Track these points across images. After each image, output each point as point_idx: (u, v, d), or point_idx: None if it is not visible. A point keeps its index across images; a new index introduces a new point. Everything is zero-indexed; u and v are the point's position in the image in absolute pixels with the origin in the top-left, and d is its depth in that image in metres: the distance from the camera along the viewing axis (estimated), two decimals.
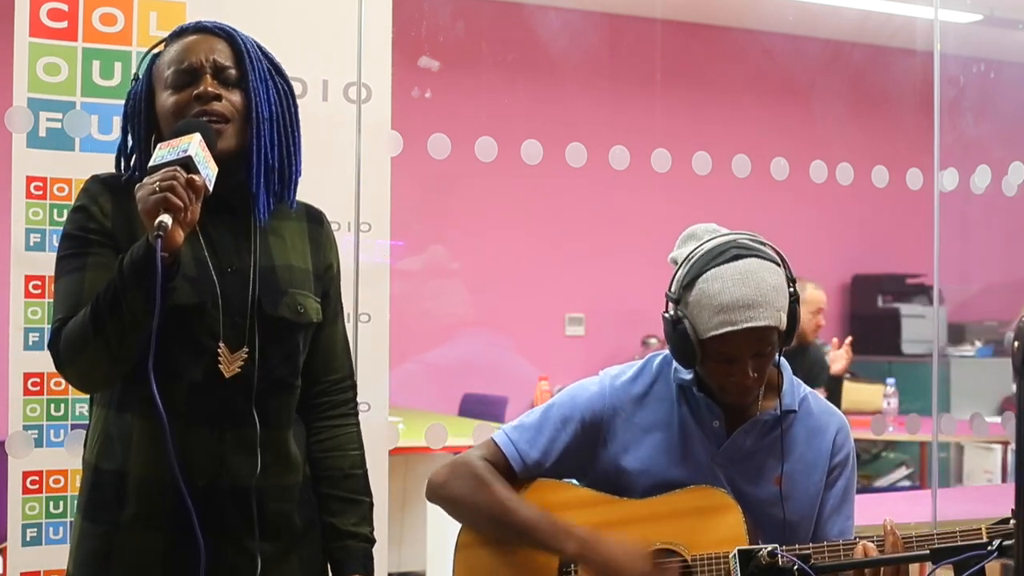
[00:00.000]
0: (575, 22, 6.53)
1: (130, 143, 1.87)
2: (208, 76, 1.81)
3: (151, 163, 1.70)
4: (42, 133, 2.52)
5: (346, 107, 2.78)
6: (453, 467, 2.14)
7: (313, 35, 2.75)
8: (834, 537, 2.10)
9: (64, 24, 2.53)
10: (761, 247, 2.04)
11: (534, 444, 2.13)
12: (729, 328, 1.96)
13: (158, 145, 1.73)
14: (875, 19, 6.71)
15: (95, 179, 1.86)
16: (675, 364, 2.15)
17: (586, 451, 2.14)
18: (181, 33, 1.87)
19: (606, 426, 2.13)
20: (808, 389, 2.20)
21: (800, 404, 2.15)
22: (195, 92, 1.80)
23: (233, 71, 1.83)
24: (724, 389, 2.04)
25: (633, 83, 6.89)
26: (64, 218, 2.44)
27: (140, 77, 1.88)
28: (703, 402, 2.10)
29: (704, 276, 1.99)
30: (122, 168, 1.88)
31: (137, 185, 1.68)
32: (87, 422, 1.92)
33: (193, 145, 1.70)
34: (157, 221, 1.62)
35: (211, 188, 1.71)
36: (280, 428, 1.88)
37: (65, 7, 2.53)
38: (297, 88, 2.72)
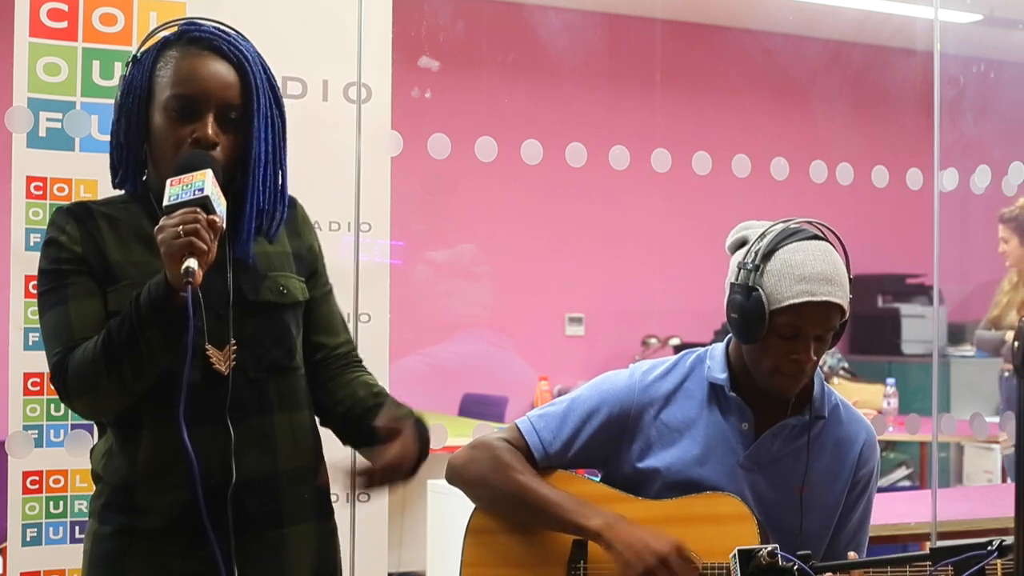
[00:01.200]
0: (575, 22, 6.52)
1: (122, 133, 1.82)
2: (210, 117, 1.78)
3: (166, 202, 1.68)
4: (42, 133, 2.52)
5: (346, 107, 2.78)
6: (473, 448, 2.13)
7: (313, 35, 2.75)
8: (846, 551, 2.10)
9: (64, 24, 2.53)
10: (831, 238, 2.08)
11: (558, 434, 2.12)
12: (809, 298, 1.96)
13: (168, 181, 1.71)
14: (875, 19, 6.70)
15: (59, 210, 1.85)
16: (708, 363, 2.14)
17: (610, 445, 2.12)
18: (192, 43, 1.81)
19: (633, 421, 2.12)
20: (841, 398, 2.20)
21: (831, 412, 2.14)
22: (195, 135, 1.77)
23: (236, 111, 1.80)
24: (779, 370, 2.02)
25: (633, 83, 6.88)
26: None
27: (139, 59, 1.82)
28: (735, 403, 2.10)
29: (786, 247, 2.01)
30: (114, 157, 1.85)
31: (157, 227, 1.66)
32: (83, 422, 1.91)
33: (207, 184, 1.68)
34: (184, 267, 1.62)
35: (224, 225, 1.71)
36: (289, 411, 1.87)
37: (65, 7, 2.53)
38: (297, 88, 2.75)
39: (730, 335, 2.15)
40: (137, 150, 1.83)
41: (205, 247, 1.64)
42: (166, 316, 1.65)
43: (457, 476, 2.14)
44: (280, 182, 1.87)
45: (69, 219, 1.82)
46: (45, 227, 2.52)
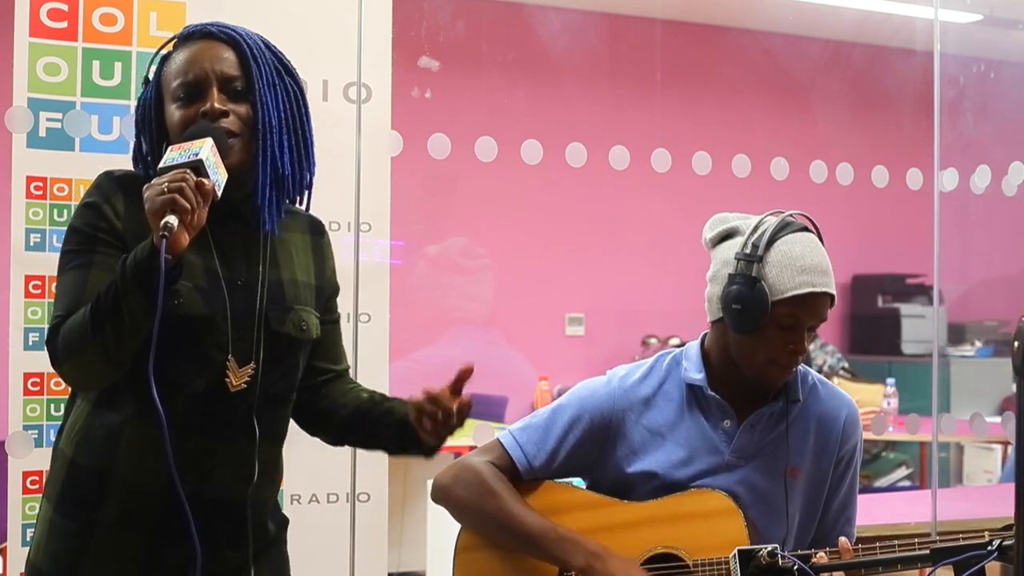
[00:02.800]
0: (575, 22, 6.52)
1: (144, 148, 1.85)
2: (214, 90, 1.78)
3: (161, 164, 1.69)
4: (42, 133, 2.52)
5: (346, 107, 2.79)
6: (458, 470, 2.13)
7: (313, 35, 2.75)
8: (835, 527, 2.13)
9: (64, 24, 2.53)
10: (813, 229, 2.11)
11: (541, 447, 2.12)
12: (811, 289, 2.00)
13: (169, 147, 1.72)
14: (875, 19, 6.70)
15: (108, 176, 1.83)
16: (684, 364, 2.15)
17: (594, 452, 2.13)
18: (187, 38, 1.84)
19: (615, 427, 2.12)
20: (817, 376, 2.21)
21: (809, 391, 2.16)
22: (202, 109, 1.77)
23: (239, 82, 1.80)
24: (776, 361, 2.04)
25: (633, 83, 6.88)
26: (64, 218, 2.45)
27: (150, 81, 1.86)
28: (714, 402, 2.10)
29: (784, 239, 2.03)
30: (141, 167, 1.86)
31: (145, 185, 1.66)
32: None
33: (205, 149, 1.68)
34: (163, 222, 1.60)
35: (220, 194, 1.70)
36: (274, 442, 1.88)
37: (65, 7, 2.53)
38: None
39: (705, 333, 2.17)
40: (157, 151, 1.82)
41: (188, 206, 1.62)
42: (148, 279, 1.63)
43: (443, 497, 2.14)
44: (302, 147, 1.86)
45: (118, 190, 1.80)
46: (45, 227, 2.54)
